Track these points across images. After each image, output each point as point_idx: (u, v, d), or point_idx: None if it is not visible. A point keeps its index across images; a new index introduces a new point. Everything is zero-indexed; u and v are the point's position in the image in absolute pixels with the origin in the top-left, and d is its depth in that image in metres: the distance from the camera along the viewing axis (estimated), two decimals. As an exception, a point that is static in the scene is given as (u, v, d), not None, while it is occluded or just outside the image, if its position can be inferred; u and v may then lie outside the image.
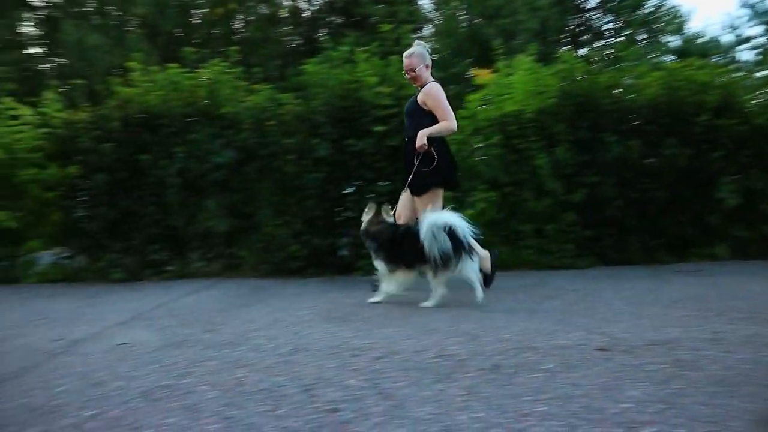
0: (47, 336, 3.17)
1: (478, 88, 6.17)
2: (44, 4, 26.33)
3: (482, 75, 5.83)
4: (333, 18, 26.14)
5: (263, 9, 27.39)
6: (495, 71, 5.99)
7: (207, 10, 28.81)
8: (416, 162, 4.11)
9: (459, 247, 3.65)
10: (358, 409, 1.93)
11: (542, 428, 1.74)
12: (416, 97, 4.27)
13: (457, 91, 6.12)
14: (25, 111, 5.65)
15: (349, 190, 5.44)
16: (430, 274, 3.78)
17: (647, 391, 2.01)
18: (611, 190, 5.64)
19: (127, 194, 5.51)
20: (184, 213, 5.48)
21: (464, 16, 21.62)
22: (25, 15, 24.39)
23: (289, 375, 2.30)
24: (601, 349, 2.57)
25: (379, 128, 5.26)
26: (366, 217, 4.09)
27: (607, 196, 5.65)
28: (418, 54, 4.25)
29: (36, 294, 4.88)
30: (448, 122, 4.11)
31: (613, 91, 5.89)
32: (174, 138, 5.49)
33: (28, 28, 25.39)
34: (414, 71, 4.24)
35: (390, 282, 3.95)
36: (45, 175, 5.52)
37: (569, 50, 6.40)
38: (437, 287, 3.79)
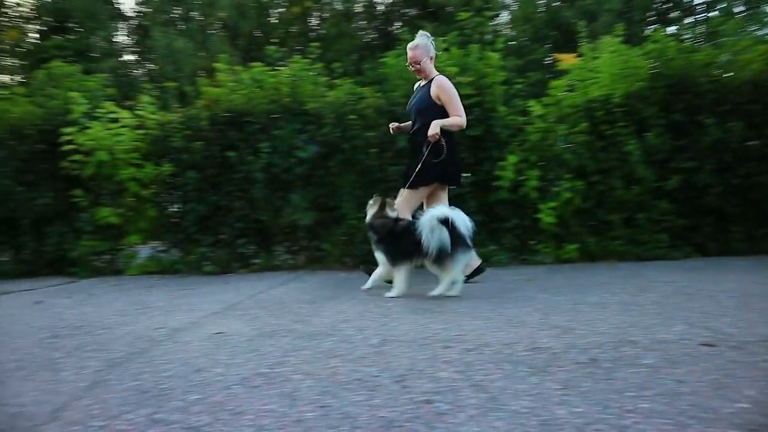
0: (149, 324, 3.35)
1: (561, 74, 5.97)
2: (135, 14, 27.93)
3: (567, 60, 5.61)
4: (407, 10, 26.13)
5: (338, 5, 27.80)
6: (579, 55, 5.76)
7: (284, 9, 29.58)
8: (425, 151, 4.12)
9: (457, 241, 3.68)
10: (453, 401, 1.91)
11: (649, 426, 1.65)
12: (427, 91, 4.26)
13: (538, 77, 5.92)
14: (124, 114, 6.00)
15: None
16: (434, 268, 3.83)
17: (766, 391, 1.87)
18: (709, 175, 5.32)
19: (215, 190, 5.74)
20: (269, 207, 5.64)
21: (542, 1, 20.98)
22: (120, 25, 26.01)
23: (380, 366, 2.31)
24: (706, 344, 2.42)
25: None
26: (370, 210, 4.12)
27: (705, 183, 5.32)
28: (422, 46, 4.26)
29: (136, 285, 5.17)
30: (460, 118, 4.17)
31: (711, 70, 5.52)
32: (259, 134, 5.66)
33: (122, 37, 27.07)
34: (419, 63, 4.26)
35: (398, 276, 3.98)
36: (142, 173, 5.85)
37: (657, 29, 6.03)
38: (445, 279, 3.83)
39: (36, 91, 6.49)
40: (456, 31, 5.70)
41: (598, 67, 5.55)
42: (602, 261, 5.39)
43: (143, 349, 2.76)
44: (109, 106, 6.04)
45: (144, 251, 6.36)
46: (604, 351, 2.40)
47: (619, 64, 5.42)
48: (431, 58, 4.33)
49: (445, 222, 3.68)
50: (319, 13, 31.69)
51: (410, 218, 4.08)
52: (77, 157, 5.71)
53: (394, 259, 3.97)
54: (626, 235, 5.41)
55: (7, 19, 30.12)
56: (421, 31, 4.46)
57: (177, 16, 25.90)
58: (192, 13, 25.41)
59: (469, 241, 3.77)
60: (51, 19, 29.36)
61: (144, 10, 26.96)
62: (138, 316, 3.65)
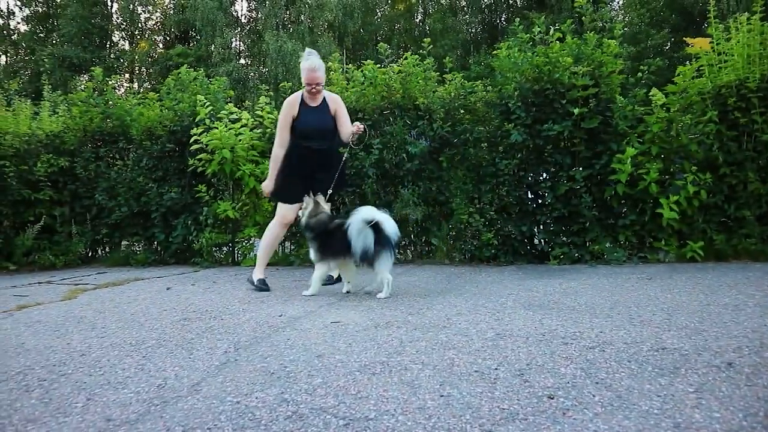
0: (269, 312, 3.53)
1: (685, 59, 5.57)
2: (248, 20, 29.48)
3: (699, 44, 5.20)
4: (514, 0, 25.58)
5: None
6: (711, 39, 5.32)
7: (388, 7, 29.95)
8: (353, 144, 4.42)
9: (384, 243, 3.73)
10: (576, 397, 1.86)
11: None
12: (326, 110, 4.39)
13: (659, 64, 5.54)
14: (244, 115, 6.35)
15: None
16: (364, 266, 3.91)
17: None
18: None
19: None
20: (381, 202, 5.73)
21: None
22: (235, 32, 27.56)
23: (498, 359, 2.29)
24: None
25: (577, 110, 5.01)
26: (305, 211, 4.14)
27: None
28: (322, 67, 4.34)
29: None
30: None
31: None
32: (371, 130, 5.77)
33: (236, 42, 28.69)
34: (320, 85, 4.32)
35: (317, 273, 4.08)
36: (259, 170, 6.15)
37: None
38: (385, 278, 3.87)
39: (165, 95, 7.02)
40: (570, 20, 5.49)
41: (731, 48, 5.12)
42: (732, 261, 4.98)
43: (266, 335, 2.91)
44: (230, 107, 6.40)
45: (258, 243, 6.68)
46: (742, 355, 2.23)
47: (755, 44, 4.96)
48: None
49: (372, 224, 3.72)
50: (422, 10, 31.80)
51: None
52: (202, 155, 6.11)
53: (322, 254, 4.04)
54: (761, 232, 4.97)
55: (138, 33, 32.99)
56: (310, 50, 4.50)
57: (287, 19, 27.02)
58: (301, 17, 26.39)
59: (394, 243, 3.83)
60: (174, 30, 31.79)
61: (256, 16, 28.37)
62: (258, 304, 3.85)
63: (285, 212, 4.48)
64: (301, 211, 4.27)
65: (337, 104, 4.46)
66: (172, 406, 1.94)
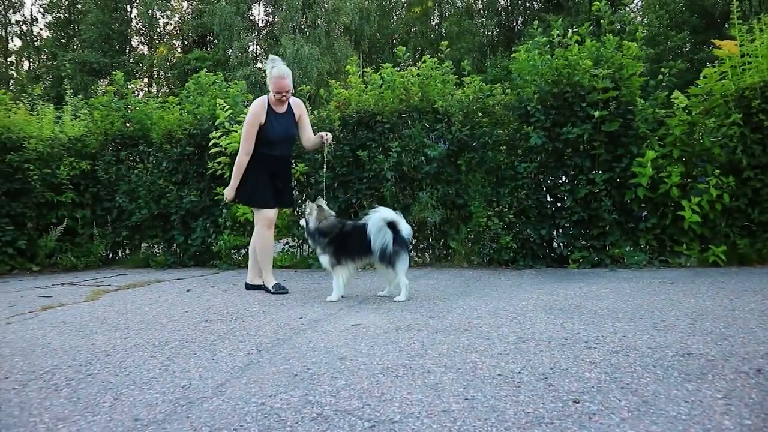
0: (290, 314, 3.55)
1: (705, 62, 5.51)
2: (265, 24, 29.71)
3: (727, 46, 5.13)
4: (531, 3, 25.48)
5: (459, 2, 27.71)
6: (737, 41, 5.24)
7: (405, 10, 29.97)
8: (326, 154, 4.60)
9: (401, 243, 3.78)
10: (602, 402, 1.84)
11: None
12: (292, 117, 4.37)
13: (681, 67, 5.48)
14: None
15: None
16: (381, 267, 3.93)
17: None
18: None
19: (346, 188, 5.94)
20: (399, 205, 5.73)
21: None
22: (252, 36, 27.78)
23: (521, 363, 2.28)
24: None
25: (597, 113, 4.98)
26: (311, 217, 4.12)
27: None
28: (290, 74, 4.28)
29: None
30: None
31: None
32: (389, 134, 5.79)
33: (254, 46, 28.91)
34: (289, 92, 4.26)
35: (338, 277, 4.04)
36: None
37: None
38: (402, 281, 3.87)
39: (185, 99, 7.08)
40: (588, 23, 5.46)
41: (755, 50, 5.04)
42: (756, 266, 4.90)
43: (288, 337, 2.93)
44: (247, 110, 6.44)
45: (278, 246, 6.71)
46: (771, 361, 2.19)
47: (781, 44, 4.89)
48: None
49: (391, 224, 3.76)
50: (438, 13, 31.81)
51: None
52: (221, 158, 6.16)
53: (339, 258, 4.01)
54: (787, 237, 4.89)
55: (157, 38, 33.42)
56: (274, 56, 4.44)
57: (303, 23, 27.18)
58: (318, 21, 26.53)
59: (408, 245, 3.88)
60: (192, 35, 32.15)
61: (273, 20, 28.56)
62: (278, 306, 3.87)
63: (264, 216, 4.45)
64: (302, 218, 4.28)
65: (301, 109, 4.48)
66: (198, 406, 1.95)
